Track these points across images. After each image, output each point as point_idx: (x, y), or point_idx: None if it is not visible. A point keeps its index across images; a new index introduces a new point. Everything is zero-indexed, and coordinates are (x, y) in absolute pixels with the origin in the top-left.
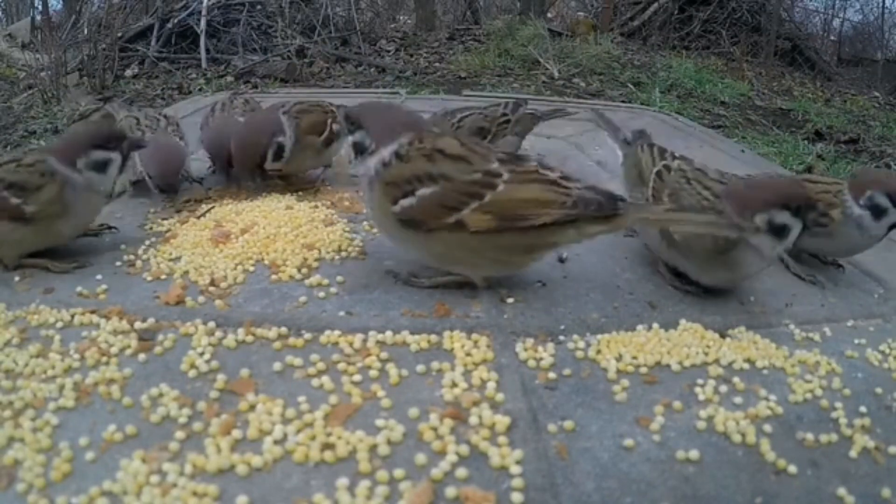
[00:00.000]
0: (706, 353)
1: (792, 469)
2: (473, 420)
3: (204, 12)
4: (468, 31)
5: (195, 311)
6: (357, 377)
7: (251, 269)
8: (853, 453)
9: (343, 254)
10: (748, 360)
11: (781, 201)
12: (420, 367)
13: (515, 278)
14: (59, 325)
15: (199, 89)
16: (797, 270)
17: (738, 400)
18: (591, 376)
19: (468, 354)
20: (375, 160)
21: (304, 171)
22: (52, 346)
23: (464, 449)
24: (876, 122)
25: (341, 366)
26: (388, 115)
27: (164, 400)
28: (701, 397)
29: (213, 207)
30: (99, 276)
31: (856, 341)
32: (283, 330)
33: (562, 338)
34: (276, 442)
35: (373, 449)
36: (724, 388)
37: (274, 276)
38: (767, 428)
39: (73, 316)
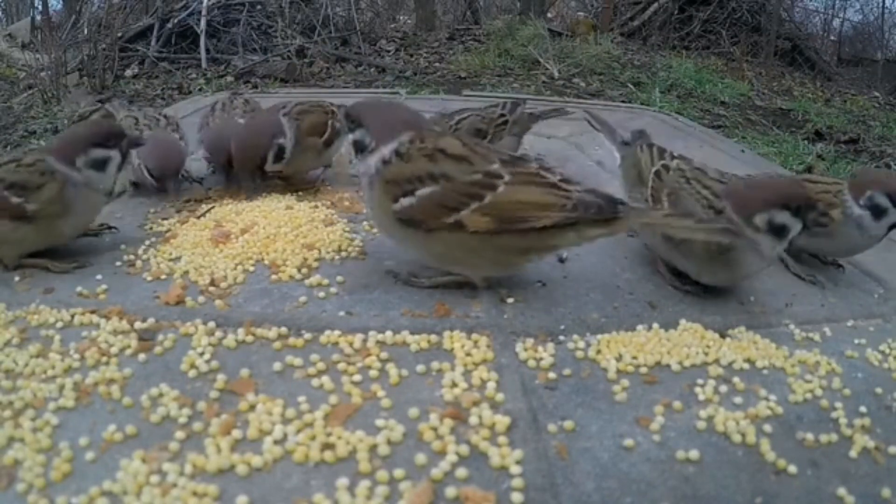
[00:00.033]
0: (706, 353)
1: (792, 469)
2: (473, 420)
3: (204, 12)
4: (468, 31)
5: (195, 311)
6: (357, 377)
7: (251, 269)
8: (853, 453)
9: (343, 254)
10: (748, 360)
11: (781, 201)
12: (420, 367)
13: (515, 278)
14: (59, 325)
15: (199, 89)
16: (797, 270)
17: (738, 400)
18: (591, 376)
19: (468, 354)
20: (376, 158)
21: (305, 171)
22: (52, 346)
23: (464, 449)
24: (876, 122)
25: (341, 366)
26: (388, 112)
27: (164, 400)
28: (701, 397)
29: (213, 207)
30: (99, 276)
31: (856, 341)
32: (283, 330)
33: (562, 338)
34: (276, 442)
35: (373, 449)
36: (724, 388)
37: (274, 276)
38: (767, 428)
39: (73, 316)
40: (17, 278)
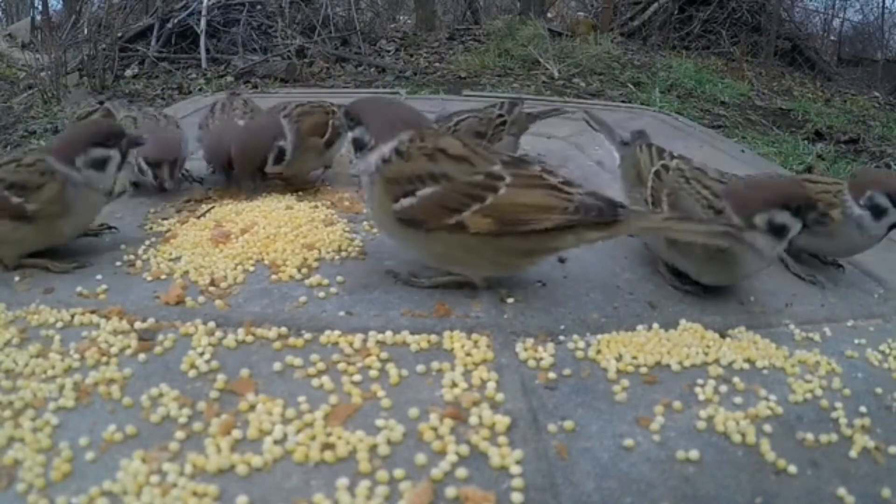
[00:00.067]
0: (706, 353)
1: (792, 469)
2: (473, 420)
3: (204, 12)
4: (468, 31)
5: (195, 311)
6: (357, 377)
7: (251, 269)
8: (853, 453)
9: (343, 254)
10: (748, 360)
11: (781, 201)
12: (420, 367)
13: (515, 278)
14: (59, 325)
15: (199, 89)
16: (797, 270)
17: (738, 400)
18: (591, 376)
19: (468, 354)
20: (375, 156)
21: (306, 172)
22: (52, 346)
23: (464, 449)
24: (876, 122)
25: (341, 366)
26: (387, 111)
27: (164, 400)
28: (701, 397)
29: (213, 207)
30: (99, 276)
31: (856, 341)
32: (283, 330)
33: (562, 338)
34: (276, 442)
35: (373, 449)
36: (724, 388)
37: (274, 276)
38: (767, 428)
39: (73, 316)
40: (17, 278)
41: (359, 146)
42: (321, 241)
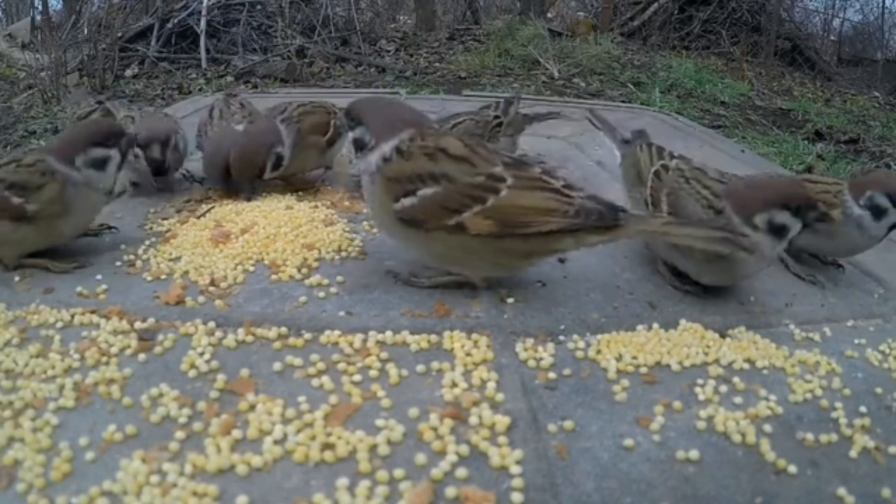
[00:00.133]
0: (706, 353)
1: (792, 469)
2: (473, 420)
3: (204, 12)
4: (468, 31)
5: (195, 311)
6: (357, 377)
7: (251, 269)
8: (853, 453)
9: (343, 254)
10: (748, 360)
11: (781, 201)
12: (420, 367)
13: (515, 278)
14: (59, 325)
15: (199, 89)
16: (797, 270)
17: (738, 400)
18: (591, 376)
19: (468, 354)
20: (376, 156)
21: (306, 171)
22: (52, 346)
23: (464, 449)
24: (876, 122)
25: (341, 366)
26: (388, 110)
27: (164, 400)
28: (701, 397)
29: (213, 207)
30: (99, 276)
31: (856, 341)
32: (283, 330)
33: (562, 338)
34: (276, 442)
35: (373, 449)
36: (724, 388)
37: (274, 276)
38: (767, 428)
39: (73, 316)
40: (17, 278)
41: (359, 146)
42: (321, 241)
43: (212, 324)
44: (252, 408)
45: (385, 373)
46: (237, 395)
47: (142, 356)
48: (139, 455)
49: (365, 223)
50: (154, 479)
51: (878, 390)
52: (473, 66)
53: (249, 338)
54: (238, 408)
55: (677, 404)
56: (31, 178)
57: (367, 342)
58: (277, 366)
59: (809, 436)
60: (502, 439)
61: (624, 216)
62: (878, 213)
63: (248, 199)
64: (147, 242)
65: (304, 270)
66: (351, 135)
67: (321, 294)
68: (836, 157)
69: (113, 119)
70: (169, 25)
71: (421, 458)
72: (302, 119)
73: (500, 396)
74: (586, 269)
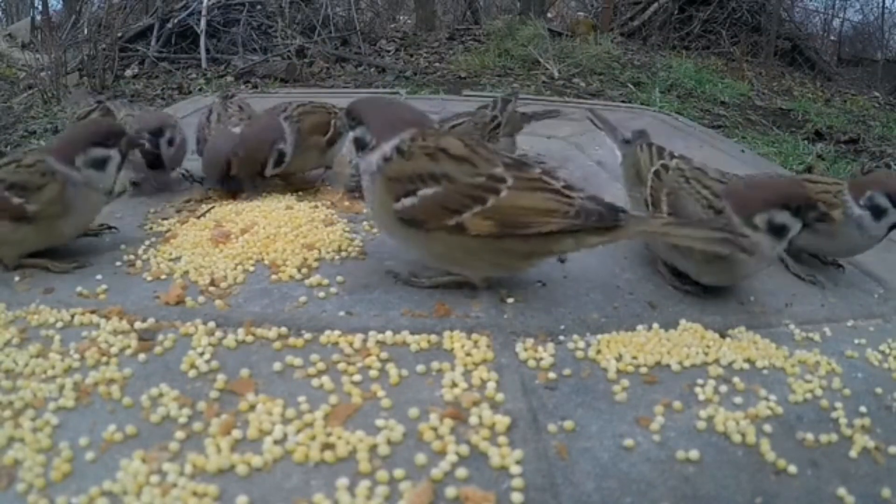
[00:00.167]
0: (706, 353)
1: (792, 469)
2: (473, 420)
3: (204, 12)
4: (468, 31)
5: (195, 311)
6: (357, 377)
7: (251, 269)
8: (853, 453)
9: (343, 254)
10: (748, 360)
11: (781, 201)
12: (420, 367)
13: (515, 278)
14: (59, 325)
15: (199, 89)
16: (797, 270)
17: (738, 400)
18: (591, 376)
19: (468, 354)
20: (377, 155)
21: (307, 170)
22: (52, 346)
23: (464, 449)
24: (876, 122)
25: (341, 366)
26: (388, 110)
27: (164, 400)
28: (701, 397)
29: (213, 207)
30: (99, 276)
31: (856, 341)
32: (283, 330)
33: (562, 338)
34: (276, 442)
35: (373, 449)
36: (724, 388)
37: (274, 276)
38: (767, 428)
39: (73, 316)
40: (17, 278)
41: (360, 146)
42: (321, 241)
43: (212, 324)
44: (252, 408)
45: (385, 373)
46: (237, 395)
47: (142, 356)
48: (139, 455)
49: (365, 223)
50: (154, 479)
51: (878, 390)
52: (473, 66)
53: (249, 338)
54: (238, 408)
55: (677, 404)
56: (32, 179)
57: (367, 342)
58: (277, 366)
59: (809, 436)
60: (502, 439)
61: (624, 217)
62: (878, 213)
63: (250, 198)
64: (147, 242)
65: (304, 270)
66: (351, 134)
67: (321, 294)
68: (836, 157)
69: (113, 119)
70: (169, 25)
71: (421, 458)
72: (302, 119)
73: (500, 396)
74: (586, 269)
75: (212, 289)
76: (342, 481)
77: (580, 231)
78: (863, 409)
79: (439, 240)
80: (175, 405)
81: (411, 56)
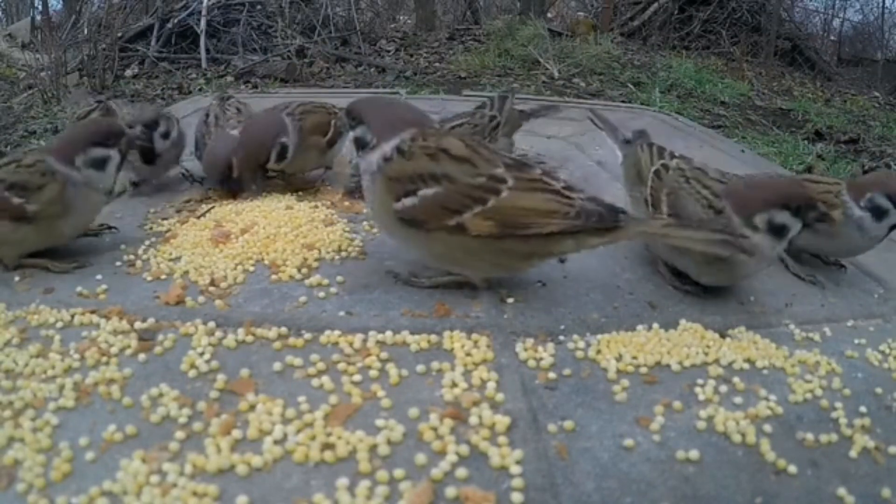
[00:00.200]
0: (706, 353)
1: (792, 469)
2: (473, 420)
3: (204, 12)
4: (468, 31)
5: (195, 311)
6: (357, 377)
7: (251, 269)
8: (853, 453)
9: (343, 254)
10: (748, 360)
11: (781, 201)
12: (420, 367)
13: (515, 278)
14: (59, 325)
15: (199, 89)
16: (797, 270)
17: (738, 400)
18: (591, 376)
19: (468, 354)
20: (377, 155)
21: (307, 171)
22: (52, 346)
23: (464, 449)
24: (876, 122)
25: (341, 366)
26: (389, 110)
27: (164, 400)
28: (701, 397)
29: (213, 207)
30: (99, 276)
31: (856, 341)
32: (283, 330)
33: (562, 338)
34: (276, 442)
35: (373, 449)
36: (724, 388)
37: (274, 276)
38: (767, 428)
39: (73, 316)
40: (17, 278)
41: (360, 145)
42: (321, 241)
43: (212, 324)
44: (252, 408)
45: (385, 373)
46: (237, 395)
47: (142, 356)
48: (139, 455)
49: (365, 223)
50: (154, 479)
51: (878, 390)
52: (473, 66)
53: (249, 338)
54: (238, 408)
55: (677, 404)
56: (32, 179)
57: (367, 342)
58: (277, 366)
59: (809, 436)
60: (502, 439)
61: (624, 218)
62: (879, 213)
63: (251, 195)
64: (147, 242)
65: (304, 270)
66: (352, 134)
67: (321, 294)
68: (836, 157)
69: (113, 118)
70: (169, 25)
71: (421, 458)
72: (303, 118)
73: (500, 396)
74: (586, 269)
75: (212, 289)
76: (342, 481)
77: (580, 232)
78: (863, 409)
79: (439, 240)
80: (175, 405)
81: (411, 56)
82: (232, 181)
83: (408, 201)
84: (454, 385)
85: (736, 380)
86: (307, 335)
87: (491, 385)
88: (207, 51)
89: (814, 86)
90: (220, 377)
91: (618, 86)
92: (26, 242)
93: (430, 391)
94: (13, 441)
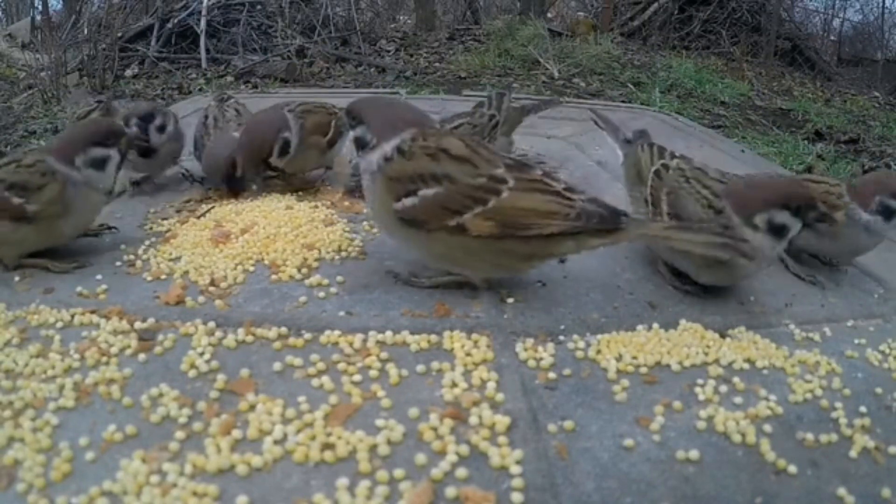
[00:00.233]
0: (706, 353)
1: (792, 469)
2: (473, 420)
3: (204, 12)
4: (468, 31)
5: (195, 311)
6: (357, 377)
7: (251, 269)
8: (853, 453)
9: (343, 254)
10: (748, 360)
11: (781, 201)
12: (420, 367)
13: (515, 278)
14: (59, 325)
15: (199, 89)
16: (797, 270)
17: (738, 400)
18: (591, 376)
19: (468, 354)
20: (377, 155)
21: (307, 171)
22: (52, 346)
23: (464, 449)
24: (876, 122)
25: (341, 366)
26: (389, 110)
27: (164, 400)
28: (701, 397)
29: (213, 207)
30: (99, 276)
31: (856, 341)
32: (283, 330)
33: (562, 338)
34: (276, 442)
35: (373, 449)
36: (724, 388)
37: (274, 276)
38: (767, 428)
39: (73, 316)
40: (17, 278)
41: (360, 145)
42: (321, 241)
43: (212, 324)
44: (252, 408)
45: (385, 373)
46: (237, 395)
47: (142, 356)
48: (139, 455)
49: (365, 223)
50: (154, 479)
51: (878, 390)
52: (473, 66)
53: (249, 338)
54: (238, 408)
55: (677, 404)
56: (32, 179)
57: (367, 342)
58: (277, 366)
59: (809, 436)
60: (502, 439)
61: (625, 220)
62: (889, 214)
63: (252, 193)
64: (147, 242)
65: (304, 270)
66: (352, 134)
67: (321, 294)
68: (836, 157)
69: (113, 118)
70: (169, 25)
71: (421, 458)
72: (304, 117)
73: (500, 396)
74: (586, 269)
75: (212, 289)
76: (342, 481)
77: (581, 233)
78: (863, 409)
79: (440, 240)
80: (175, 405)
81: (411, 56)
82: (234, 179)
83: (408, 201)
84: (454, 385)
85: (736, 380)
86: (307, 335)
87: (491, 385)
88: (207, 51)
89: (814, 86)
90: (220, 377)
91: (618, 86)
92: (26, 242)
93: (430, 391)
94: (13, 441)
